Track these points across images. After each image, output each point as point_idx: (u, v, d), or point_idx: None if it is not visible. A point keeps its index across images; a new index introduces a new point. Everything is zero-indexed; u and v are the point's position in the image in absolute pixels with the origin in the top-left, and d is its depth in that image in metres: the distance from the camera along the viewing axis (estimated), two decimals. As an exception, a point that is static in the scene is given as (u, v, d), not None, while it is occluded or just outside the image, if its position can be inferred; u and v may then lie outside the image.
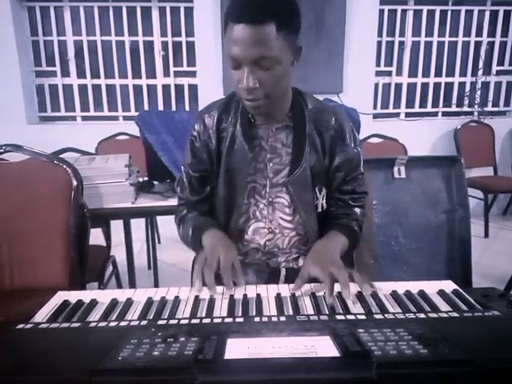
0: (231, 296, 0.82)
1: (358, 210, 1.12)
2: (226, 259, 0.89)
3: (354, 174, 1.08)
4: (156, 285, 2.43)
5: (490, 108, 3.92)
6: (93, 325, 0.67)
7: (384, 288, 0.84)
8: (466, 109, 3.88)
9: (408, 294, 0.82)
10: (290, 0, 0.88)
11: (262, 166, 1.04)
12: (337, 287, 0.84)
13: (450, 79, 3.86)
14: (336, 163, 1.05)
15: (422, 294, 0.82)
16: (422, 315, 0.69)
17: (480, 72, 3.83)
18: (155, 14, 3.46)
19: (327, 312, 0.75)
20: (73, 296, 0.82)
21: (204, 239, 1.01)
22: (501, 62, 3.88)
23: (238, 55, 0.86)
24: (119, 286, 2.04)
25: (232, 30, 0.84)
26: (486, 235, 3.31)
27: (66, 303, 0.79)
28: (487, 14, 3.74)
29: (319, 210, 1.07)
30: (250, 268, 1.11)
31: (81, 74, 3.54)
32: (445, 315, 0.69)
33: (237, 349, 0.55)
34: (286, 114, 1.03)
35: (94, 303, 0.79)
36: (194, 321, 0.67)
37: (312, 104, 1.04)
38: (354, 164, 1.08)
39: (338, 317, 0.69)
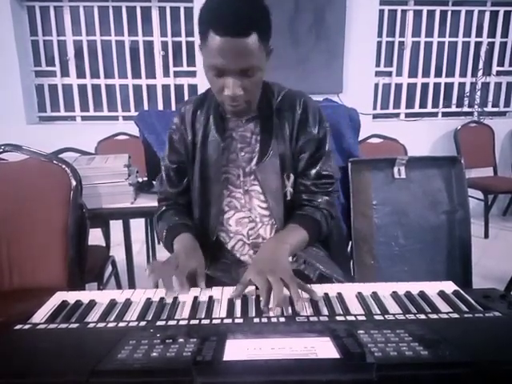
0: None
1: (321, 197, 1.08)
2: (184, 265, 0.90)
3: (317, 155, 1.07)
4: (155, 285, 2.42)
5: (489, 108, 3.92)
6: (91, 325, 0.66)
7: (384, 289, 0.84)
8: (465, 109, 3.88)
9: (408, 294, 0.81)
10: (266, 8, 0.89)
11: (234, 157, 1.07)
12: (338, 289, 0.83)
13: (449, 79, 3.86)
14: (300, 144, 1.06)
15: (422, 294, 0.81)
16: (423, 316, 0.69)
17: (480, 72, 3.83)
18: (155, 14, 3.46)
19: (327, 313, 0.74)
20: (71, 296, 0.81)
21: (174, 243, 1.03)
22: (501, 63, 3.88)
23: (224, 66, 0.87)
24: (118, 286, 2.04)
25: (215, 40, 0.84)
26: (486, 236, 3.31)
27: (64, 304, 0.78)
28: (487, 14, 3.74)
29: (288, 197, 1.07)
30: (241, 268, 1.10)
31: (80, 73, 3.54)
32: (445, 316, 0.69)
33: (236, 350, 0.54)
34: (255, 106, 1.05)
35: (92, 304, 0.79)
36: (192, 322, 0.67)
37: (278, 93, 1.06)
38: (317, 144, 1.06)
39: (338, 318, 0.68)
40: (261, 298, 0.76)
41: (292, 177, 1.07)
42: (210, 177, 1.06)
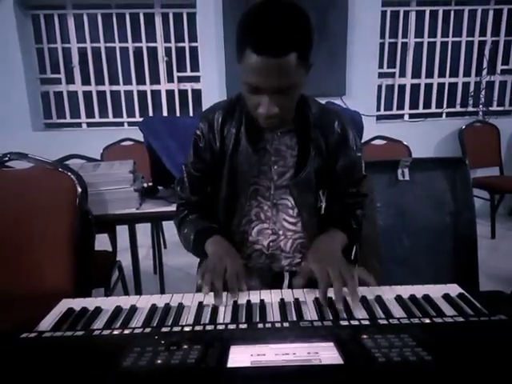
0: (235, 302, 0.81)
1: (358, 211, 1.13)
2: (233, 268, 0.89)
3: (358, 177, 1.10)
4: (162, 289, 2.43)
5: (494, 108, 3.89)
6: (97, 333, 0.67)
7: (388, 292, 0.83)
8: (470, 109, 3.86)
9: (413, 298, 0.81)
10: (308, 25, 0.86)
11: (266, 169, 1.05)
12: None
13: (453, 79, 3.84)
14: (340, 167, 1.07)
15: (426, 298, 0.81)
16: (427, 320, 0.69)
17: (484, 72, 3.81)
18: (158, 21, 3.49)
19: (331, 317, 0.74)
20: (77, 303, 0.82)
21: (208, 246, 1.01)
22: (505, 61, 3.86)
23: (259, 84, 0.86)
24: (125, 291, 2.05)
25: (251, 58, 0.82)
26: (493, 236, 3.28)
27: (70, 311, 0.79)
28: (491, 12, 3.72)
29: (322, 212, 1.07)
30: (253, 272, 1.11)
31: (85, 80, 3.57)
32: (450, 320, 0.69)
33: (240, 356, 0.55)
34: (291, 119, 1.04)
35: (98, 311, 0.79)
36: (197, 327, 0.67)
37: (315, 108, 1.05)
38: (357, 167, 1.09)
39: (342, 322, 0.68)
40: (319, 287, 0.82)
41: (326, 192, 1.07)
42: (237, 186, 1.05)
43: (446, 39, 3.73)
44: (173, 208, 1.73)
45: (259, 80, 0.85)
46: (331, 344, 0.58)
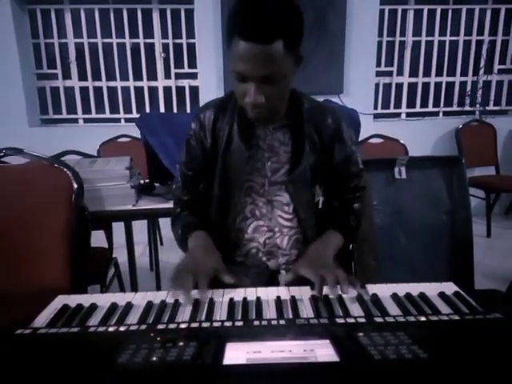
0: (231, 299, 0.81)
1: (356, 205, 1.14)
2: (204, 267, 0.89)
3: (355, 170, 1.10)
4: (158, 286, 2.43)
5: (491, 107, 3.90)
6: (92, 329, 0.67)
7: (384, 290, 0.84)
8: (467, 108, 3.86)
9: (409, 296, 0.81)
10: (297, 15, 0.86)
11: (259, 165, 1.05)
12: (337, 290, 0.83)
13: (451, 78, 3.85)
14: (336, 162, 1.07)
15: (422, 296, 0.81)
16: (423, 318, 0.69)
17: (481, 71, 3.81)
18: (156, 16, 3.47)
19: (327, 315, 0.74)
20: (73, 300, 0.82)
21: (189, 242, 1.03)
22: (502, 61, 3.86)
23: (245, 72, 0.86)
24: (121, 287, 2.04)
25: (238, 46, 0.83)
26: (489, 235, 3.30)
27: (65, 307, 0.79)
28: (488, 12, 3.72)
29: (320, 206, 1.08)
30: (250, 271, 1.11)
31: (82, 76, 3.55)
32: (446, 318, 0.69)
33: (236, 353, 0.55)
34: (283, 114, 1.04)
35: (93, 307, 0.79)
36: (193, 324, 0.67)
37: (308, 104, 1.05)
38: (353, 161, 1.09)
39: (338, 320, 0.68)
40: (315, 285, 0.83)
41: (322, 187, 1.08)
42: (230, 184, 1.05)
43: (443, 38, 3.74)
44: (169, 205, 1.74)
45: (246, 67, 0.85)
46: (327, 341, 0.58)
